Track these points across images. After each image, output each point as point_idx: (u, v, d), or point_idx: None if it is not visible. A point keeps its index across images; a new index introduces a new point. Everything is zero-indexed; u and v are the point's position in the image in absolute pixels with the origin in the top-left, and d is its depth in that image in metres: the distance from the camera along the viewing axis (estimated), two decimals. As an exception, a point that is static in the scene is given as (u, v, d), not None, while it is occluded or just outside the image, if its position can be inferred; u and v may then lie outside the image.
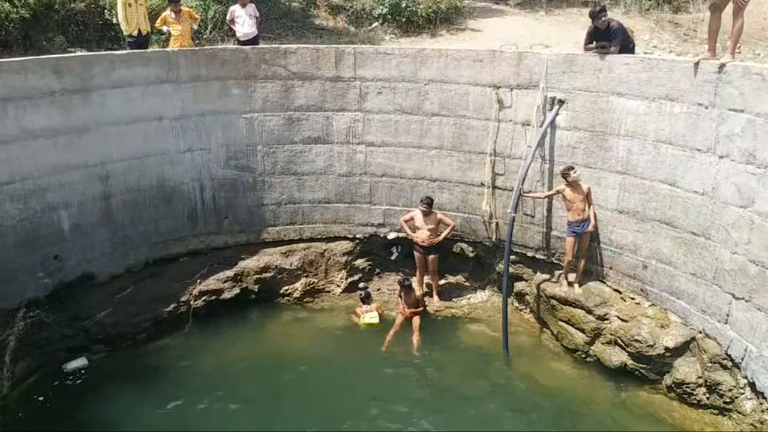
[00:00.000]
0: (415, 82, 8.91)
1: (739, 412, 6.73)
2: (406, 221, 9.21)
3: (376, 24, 12.94)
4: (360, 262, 9.95)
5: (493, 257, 9.36)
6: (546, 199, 8.50)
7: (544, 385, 7.86)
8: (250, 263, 9.54)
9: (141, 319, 8.66)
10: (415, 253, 9.29)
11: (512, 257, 8.74)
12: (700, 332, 7.20)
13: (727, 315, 6.79)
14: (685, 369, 7.26)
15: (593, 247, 8.24)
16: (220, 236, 9.54)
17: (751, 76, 6.22)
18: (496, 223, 9.07)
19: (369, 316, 9.10)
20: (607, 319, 7.99)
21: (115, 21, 10.26)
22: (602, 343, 8.00)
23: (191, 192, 9.18)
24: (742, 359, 6.61)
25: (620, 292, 8.12)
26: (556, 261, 8.73)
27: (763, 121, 6.13)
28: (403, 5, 12.69)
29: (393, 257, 10.05)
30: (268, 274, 9.57)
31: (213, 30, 11.83)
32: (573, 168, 7.91)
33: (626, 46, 7.77)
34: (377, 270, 10.06)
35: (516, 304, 9.28)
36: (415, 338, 8.73)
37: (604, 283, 8.31)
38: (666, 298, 7.62)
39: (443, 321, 9.20)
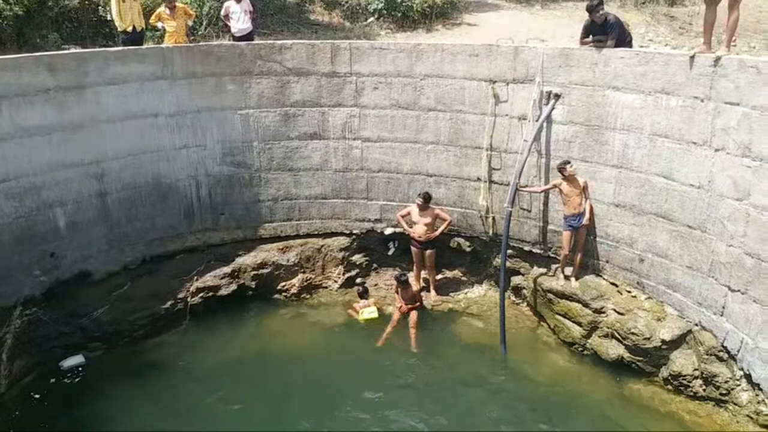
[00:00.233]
0: (411, 77, 8.89)
1: (735, 404, 6.78)
2: (402, 216, 9.21)
3: (371, 19, 12.91)
4: (357, 258, 9.95)
5: (490, 252, 9.38)
6: (542, 194, 8.52)
7: (541, 379, 7.90)
8: (246, 260, 9.54)
9: (138, 317, 8.66)
10: (412, 248, 9.30)
11: (509, 251, 8.74)
12: (697, 324, 7.23)
13: (723, 307, 6.82)
14: (682, 361, 7.29)
15: (590, 241, 8.26)
16: (217, 233, 9.53)
17: (747, 69, 6.23)
18: (493, 218, 9.08)
19: (368, 311, 9.11)
20: (603, 313, 8.02)
21: (109, 17, 10.21)
22: (599, 337, 8.03)
23: (187, 189, 9.16)
24: (738, 351, 6.64)
25: (617, 286, 8.14)
26: (552, 255, 8.75)
27: (759, 114, 6.14)
28: (399, 0, 12.65)
29: (390, 252, 10.05)
30: (265, 271, 9.56)
31: (208, 26, 11.79)
32: (569, 162, 7.92)
33: (623, 39, 7.74)
34: (374, 265, 10.06)
35: (513, 298, 9.30)
36: (413, 333, 8.74)
37: (601, 276, 8.33)
38: (662, 291, 7.65)
39: (440, 316, 9.21)
